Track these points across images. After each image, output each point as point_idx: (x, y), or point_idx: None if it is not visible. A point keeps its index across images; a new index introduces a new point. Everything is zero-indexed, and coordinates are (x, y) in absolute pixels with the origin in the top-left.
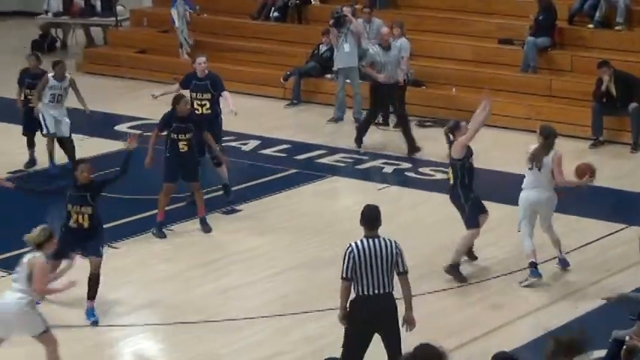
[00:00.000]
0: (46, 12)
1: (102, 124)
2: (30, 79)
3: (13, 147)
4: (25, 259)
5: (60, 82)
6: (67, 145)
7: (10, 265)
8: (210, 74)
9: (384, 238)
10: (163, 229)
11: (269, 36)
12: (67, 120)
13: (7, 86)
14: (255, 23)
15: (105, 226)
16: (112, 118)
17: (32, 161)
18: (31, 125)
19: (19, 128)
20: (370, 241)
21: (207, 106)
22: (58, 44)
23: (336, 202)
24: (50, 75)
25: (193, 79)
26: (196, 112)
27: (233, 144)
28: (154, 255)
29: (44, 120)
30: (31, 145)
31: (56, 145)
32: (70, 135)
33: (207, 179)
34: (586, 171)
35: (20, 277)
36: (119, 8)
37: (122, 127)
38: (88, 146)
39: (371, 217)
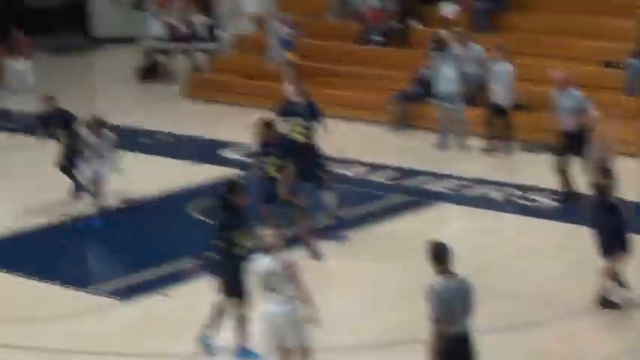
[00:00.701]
0: (150, 38)
1: (206, 150)
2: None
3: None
4: (272, 263)
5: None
6: None
7: (119, 292)
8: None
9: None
10: None
11: (372, 60)
12: None
13: (113, 113)
14: (359, 48)
15: None
16: (216, 144)
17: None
18: None
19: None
20: (449, 278)
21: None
22: (162, 70)
23: (442, 229)
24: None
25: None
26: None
27: (338, 170)
28: None
29: None
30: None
31: None
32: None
33: (314, 205)
34: None
35: (279, 283)
36: (223, 34)
37: (225, 153)
38: (191, 172)
39: (444, 254)
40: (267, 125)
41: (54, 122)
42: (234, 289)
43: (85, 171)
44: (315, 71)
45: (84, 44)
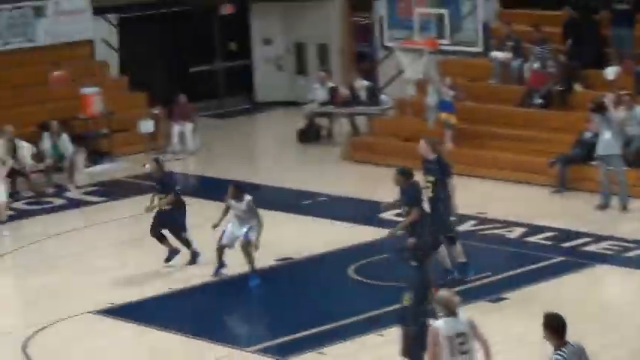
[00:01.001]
0: (312, 101)
1: (365, 211)
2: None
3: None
4: (462, 323)
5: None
6: None
7: (277, 351)
8: None
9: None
10: None
11: (533, 123)
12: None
13: (275, 174)
14: (519, 110)
15: None
16: (375, 206)
17: None
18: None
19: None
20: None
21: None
22: (324, 133)
23: (603, 292)
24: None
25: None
26: None
27: (497, 231)
28: None
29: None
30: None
31: None
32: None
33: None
34: None
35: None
36: (383, 97)
37: (387, 215)
38: (353, 233)
39: (563, 327)
40: (401, 174)
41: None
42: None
43: (231, 233)
44: (475, 134)
45: (248, 108)
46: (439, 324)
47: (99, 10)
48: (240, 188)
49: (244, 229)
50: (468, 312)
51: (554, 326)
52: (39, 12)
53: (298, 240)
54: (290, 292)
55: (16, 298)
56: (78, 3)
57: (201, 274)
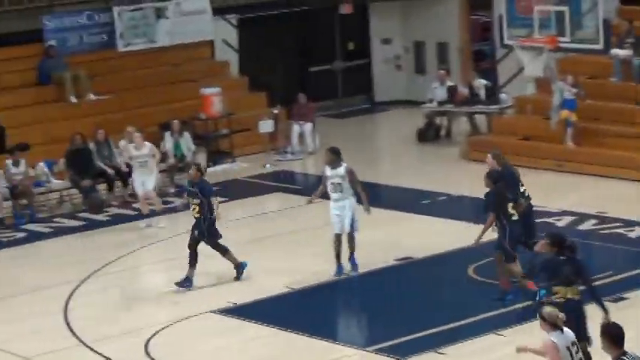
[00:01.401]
0: (431, 101)
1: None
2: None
3: None
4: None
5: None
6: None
7: (397, 350)
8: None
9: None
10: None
11: None
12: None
13: (394, 173)
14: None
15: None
16: None
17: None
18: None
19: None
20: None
21: None
22: (443, 132)
23: None
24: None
25: None
26: None
27: (618, 230)
28: None
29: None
30: None
31: None
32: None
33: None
34: None
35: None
36: (503, 96)
37: None
38: (472, 233)
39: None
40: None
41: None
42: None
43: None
44: (596, 132)
45: (367, 108)
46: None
47: (219, 11)
48: (336, 154)
49: (347, 220)
50: (588, 311)
51: (613, 335)
52: (160, 13)
53: (418, 240)
54: (409, 291)
55: (139, 297)
56: (198, 4)
57: (321, 274)
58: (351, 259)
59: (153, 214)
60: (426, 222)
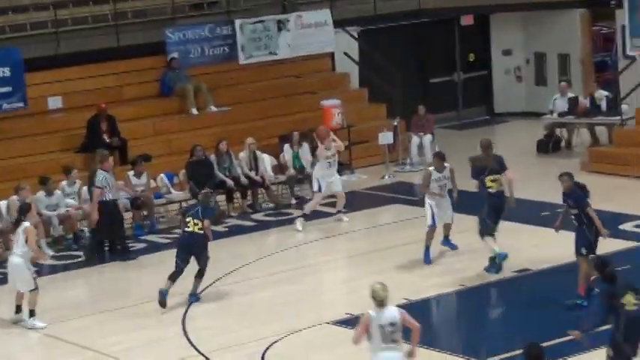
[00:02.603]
0: (551, 112)
1: (606, 223)
2: None
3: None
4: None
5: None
6: None
7: None
8: None
9: None
10: None
11: None
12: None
13: (518, 185)
14: None
15: None
16: (618, 217)
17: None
18: None
19: None
20: None
21: None
22: (563, 144)
23: None
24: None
25: None
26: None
27: None
28: None
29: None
30: None
31: None
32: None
33: None
34: None
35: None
36: (624, 107)
37: (627, 226)
38: None
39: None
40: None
41: None
42: None
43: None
44: None
45: (487, 119)
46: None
47: (340, 23)
48: (441, 158)
49: (449, 212)
50: None
51: (533, 356)
52: (281, 25)
53: (536, 251)
54: (526, 303)
55: (255, 308)
56: (320, 16)
57: (437, 286)
58: (447, 240)
59: None
60: (545, 234)
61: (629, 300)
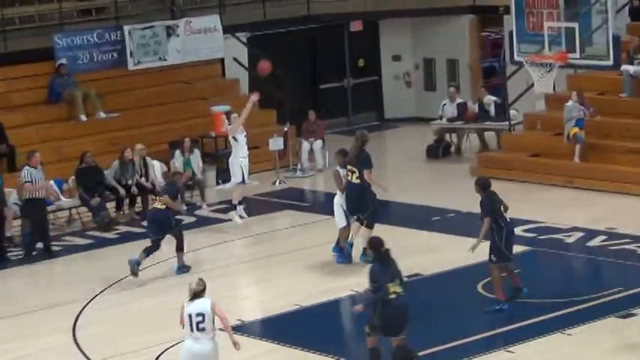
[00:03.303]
0: (441, 117)
1: None
2: None
3: None
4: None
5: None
6: None
7: None
8: None
9: None
10: None
11: None
12: None
13: (403, 190)
14: None
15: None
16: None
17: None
18: None
19: None
20: None
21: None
22: (453, 149)
23: None
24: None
25: None
26: None
27: (629, 247)
28: None
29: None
30: None
31: None
32: None
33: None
34: None
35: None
36: (512, 112)
37: (517, 231)
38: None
39: None
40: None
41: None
42: None
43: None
44: (606, 148)
45: (377, 124)
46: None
47: (229, 29)
48: (344, 154)
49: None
50: (594, 328)
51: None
52: (170, 31)
53: (427, 256)
54: (418, 308)
55: (148, 315)
56: (209, 22)
57: (330, 291)
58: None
59: None
60: (435, 239)
61: (393, 289)
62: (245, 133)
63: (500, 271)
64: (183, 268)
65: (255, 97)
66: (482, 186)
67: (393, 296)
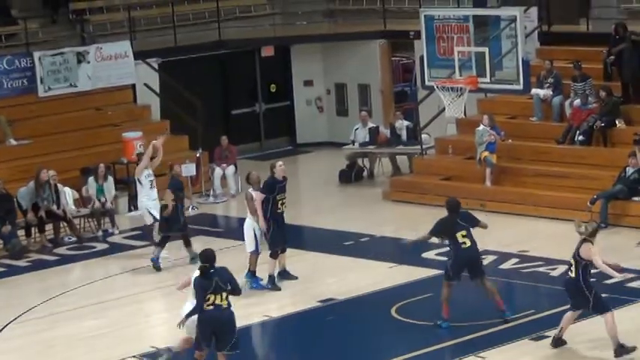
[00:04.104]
0: (353, 142)
1: (410, 252)
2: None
3: None
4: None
5: None
6: None
7: None
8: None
9: None
10: None
11: (574, 160)
12: None
13: (316, 214)
14: (561, 147)
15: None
16: (421, 246)
17: None
18: None
19: None
20: None
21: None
22: (365, 174)
23: None
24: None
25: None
26: (278, 210)
27: (540, 269)
28: None
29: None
30: None
31: None
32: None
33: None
34: None
35: None
36: (424, 137)
37: (430, 254)
38: (395, 273)
39: None
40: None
41: None
42: None
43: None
44: (517, 171)
45: (289, 149)
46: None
47: (140, 55)
48: (256, 177)
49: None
50: (507, 351)
51: None
52: (81, 58)
53: (341, 281)
54: (333, 333)
55: (61, 342)
56: (119, 48)
57: (245, 316)
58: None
59: None
60: (348, 263)
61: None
62: (152, 177)
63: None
64: (195, 259)
65: (158, 142)
66: (447, 206)
67: (210, 308)
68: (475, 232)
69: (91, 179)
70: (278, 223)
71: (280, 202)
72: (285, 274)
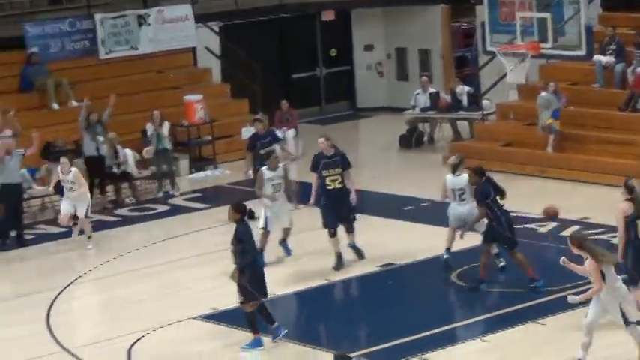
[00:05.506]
0: (414, 107)
1: None
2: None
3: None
4: None
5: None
6: None
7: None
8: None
9: None
10: None
11: (636, 127)
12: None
13: (376, 180)
14: (623, 114)
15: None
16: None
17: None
18: None
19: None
20: None
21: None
22: (425, 139)
23: None
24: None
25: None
26: (328, 187)
27: (602, 236)
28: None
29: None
30: None
31: None
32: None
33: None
34: None
35: None
36: (485, 102)
37: None
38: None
39: None
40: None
41: None
42: None
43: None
44: (578, 138)
45: (349, 114)
46: None
47: (201, 18)
48: (276, 157)
49: (285, 217)
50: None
51: None
52: (142, 20)
53: (401, 246)
54: (392, 297)
55: (121, 303)
56: (180, 11)
57: (308, 277)
58: (284, 243)
59: None
60: (409, 228)
61: None
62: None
63: (487, 252)
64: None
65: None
66: (476, 173)
67: None
68: (536, 197)
69: (148, 125)
70: (330, 201)
71: (328, 178)
72: (354, 248)
